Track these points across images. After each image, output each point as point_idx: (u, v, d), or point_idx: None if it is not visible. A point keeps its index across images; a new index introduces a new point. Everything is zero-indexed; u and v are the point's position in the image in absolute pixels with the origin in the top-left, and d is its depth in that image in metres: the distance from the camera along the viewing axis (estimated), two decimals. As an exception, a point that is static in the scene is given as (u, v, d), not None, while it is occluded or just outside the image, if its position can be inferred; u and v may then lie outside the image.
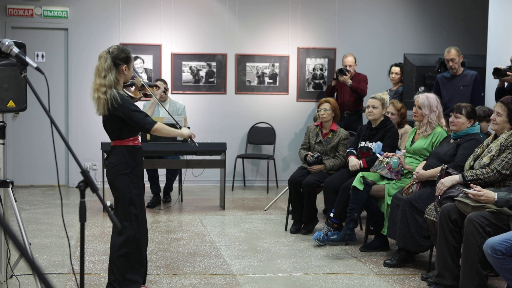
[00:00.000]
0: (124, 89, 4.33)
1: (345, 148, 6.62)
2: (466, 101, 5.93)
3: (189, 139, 4.61)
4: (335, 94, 9.00)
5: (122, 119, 4.22)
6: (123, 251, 4.25)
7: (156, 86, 4.89)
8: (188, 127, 7.60)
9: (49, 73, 8.77)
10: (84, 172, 2.77)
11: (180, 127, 4.74)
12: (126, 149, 4.27)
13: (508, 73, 6.17)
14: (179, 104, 8.24)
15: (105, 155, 4.50)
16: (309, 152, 6.69)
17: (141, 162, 4.41)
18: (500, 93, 6.45)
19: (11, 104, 4.30)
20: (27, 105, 4.46)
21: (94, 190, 2.77)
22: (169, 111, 8.09)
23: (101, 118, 4.44)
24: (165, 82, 8.17)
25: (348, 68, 8.66)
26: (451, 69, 7.14)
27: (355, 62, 8.81)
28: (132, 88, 4.51)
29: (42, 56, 9.32)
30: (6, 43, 3.50)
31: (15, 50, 3.37)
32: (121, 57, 4.23)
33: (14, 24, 9.23)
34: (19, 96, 4.32)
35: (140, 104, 4.88)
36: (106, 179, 4.53)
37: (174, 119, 5.15)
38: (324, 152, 6.69)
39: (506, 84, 6.43)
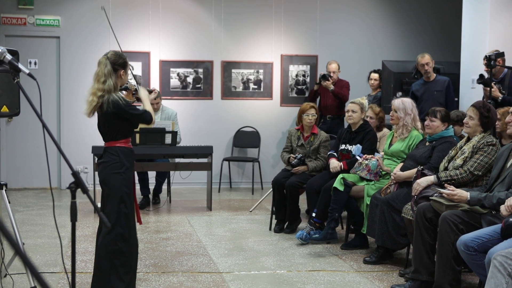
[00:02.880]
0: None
1: (326, 150, 6.65)
2: (440, 106, 6.00)
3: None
4: (318, 98, 9.05)
5: (120, 121, 4.23)
6: (111, 248, 4.19)
7: (151, 91, 4.87)
8: (176, 131, 7.64)
9: (41, 79, 8.73)
10: (75, 174, 2.78)
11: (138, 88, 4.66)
12: (120, 150, 4.27)
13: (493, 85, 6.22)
14: (171, 110, 8.25)
15: (96, 159, 4.46)
16: (291, 155, 6.71)
17: (132, 164, 4.40)
18: None
19: (4, 109, 4.30)
20: (20, 110, 4.47)
21: (85, 191, 2.78)
22: (162, 117, 8.11)
23: (92, 122, 4.44)
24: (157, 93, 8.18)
25: (331, 74, 8.69)
26: (426, 73, 7.23)
27: (339, 69, 8.85)
28: (125, 92, 4.51)
29: (35, 63, 9.30)
30: (0, 50, 3.50)
31: (8, 57, 3.37)
32: (119, 63, 4.26)
33: (7, 32, 9.20)
34: (12, 102, 4.33)
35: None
36: (97, 182, 4.49)
37: (134, 75, 5.02)
38: (306, 154, 6.72)
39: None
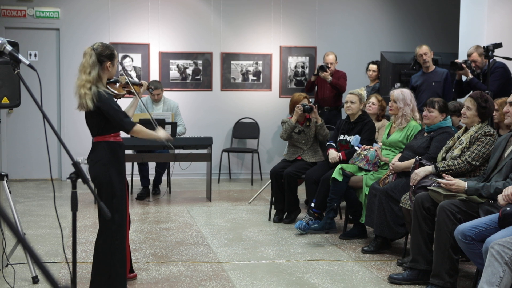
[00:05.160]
0: (107, 86, 4.19)
1: (323, 131, 6.68)
2: (437, 97, 6.02)
3: (166, 141, 4.39)
4: (316, 90, 9.05)
5: (104, 116, 4.08)
6: (107, 246, 4.11)
7: (140, 84, 4.71)
8: (175, 122, 7.63)
9: (41, 71, 8.68)
10: (76, 164, 2.79)
11: (156, 127, 4.41)
12: (107, 145, 4.13)
13: (463, 65, 6.53)
14: (173, 102, 8.25)
15: (88, 153, 4.31)
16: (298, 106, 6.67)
17: (122, 158, 4.25)
18: (458, 85, 6.81)
19: (5, 100, 4.30)
20: (20, 102, 4.46)
21: (85, 181, 2.79)
22: (164, 108, 8.10)
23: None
24: (159, 83, 8.17)
25: (329, 65, 8.69)
26: (424, 63, 7.23)
27: (336, 60, 8.85)
28: (116, 85, 4.36)
29: (35, 55, 9.28)
30: (0, 42, 3.50)
31: (9, 48, 3.36)
32: (105, 54, 4.09)
33: (7, 24, 9.18)
34: (13, 93, 4.33)
35: (127, 102, 4.83)
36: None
37: (152, 120, 4.69)
38: (306, 141, 6.71)
39: (464, 77, 6.67)
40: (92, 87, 4.02)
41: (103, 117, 4.08)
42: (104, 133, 4.15)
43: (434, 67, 7.31)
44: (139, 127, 4.15)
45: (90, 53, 4.06)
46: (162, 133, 4.32)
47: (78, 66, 9.33)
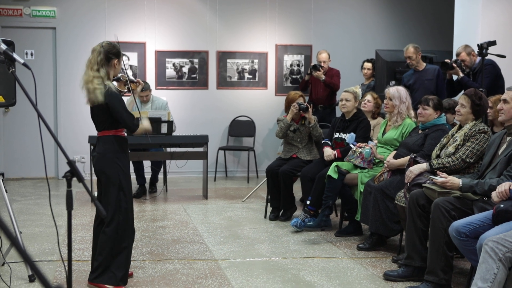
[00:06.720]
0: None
1: (316, 133, 6.65)
2: (431, 94, 6.02)
3: (146, 134, 4.61)
4: (309, 88, 9.03)
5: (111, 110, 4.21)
6: (113, 236, 4.22)
7: (138, 82, 4.90)
8: (172, 121, 7.62)
9: (38, 70, 8.72)
10: (71, 163, 2.77)
11: (139, 121, 4.58)
12: (115, 138, 4.26)
13: (453, 65, 6.55)
14: (162, 100, 8.22)
15: (92, 148, 4.45)
16: (294, 104, 6.64)
17: (127, 152, 4.39)
18: (449, 85, 6.82)
19: (0, 99, 4.28)
20: (16, 100, 4.45)
21: (80, 179, 2.77)
22: (152, 108, 8.08)
23: (88, 111, 4.42)
24: (147, 84, 8.14)
25: (322, 64, 8.67)
26: (411, 65, 7.22)
27: (329, 58, 8.83)
28: (116, 83, 4.47)
29: (31, 54, 9.25)
30: (-6, 41, 3.48)
31: (3, 46, 3.34)
32: (113, 52, 4.22)
33: (3, 23, 9.14)
34: (8, 92, 4.32)
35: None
36: (93, 171, 4.49)
37: (140, 118, 4.79)
38: (301, 139, 6.69)
39: (455, 76, 6.69)
40: (106, 82, 4.13)
41: (111, 114, 4.20)
42: (111, 128, 4.26)
43: (424, 64, 7.28)
44: (140, 127, 4.38)
45: (99, 50, 4.19)
46: (146, 124, 4.48)
47: (74, 64, 9.33)
